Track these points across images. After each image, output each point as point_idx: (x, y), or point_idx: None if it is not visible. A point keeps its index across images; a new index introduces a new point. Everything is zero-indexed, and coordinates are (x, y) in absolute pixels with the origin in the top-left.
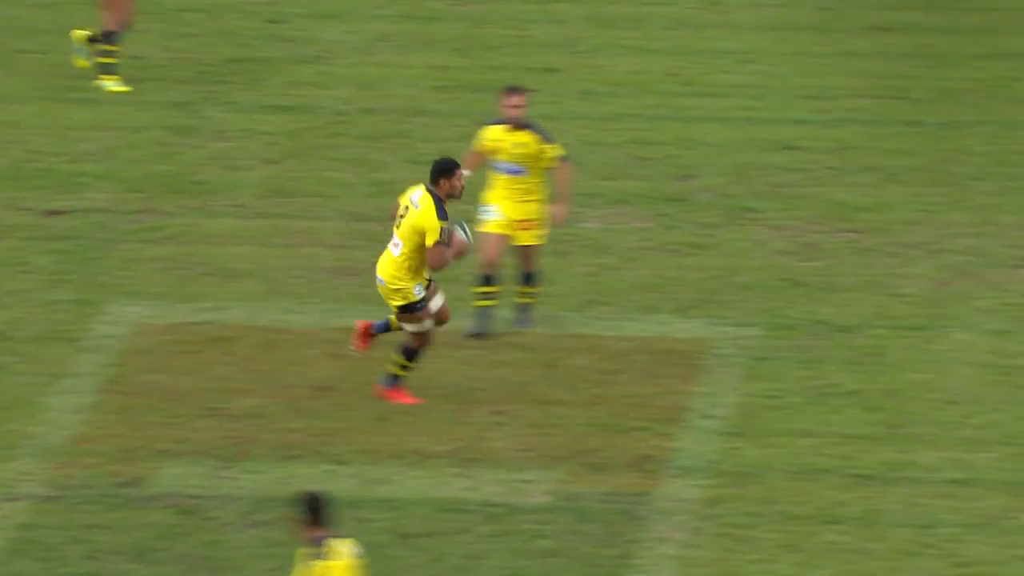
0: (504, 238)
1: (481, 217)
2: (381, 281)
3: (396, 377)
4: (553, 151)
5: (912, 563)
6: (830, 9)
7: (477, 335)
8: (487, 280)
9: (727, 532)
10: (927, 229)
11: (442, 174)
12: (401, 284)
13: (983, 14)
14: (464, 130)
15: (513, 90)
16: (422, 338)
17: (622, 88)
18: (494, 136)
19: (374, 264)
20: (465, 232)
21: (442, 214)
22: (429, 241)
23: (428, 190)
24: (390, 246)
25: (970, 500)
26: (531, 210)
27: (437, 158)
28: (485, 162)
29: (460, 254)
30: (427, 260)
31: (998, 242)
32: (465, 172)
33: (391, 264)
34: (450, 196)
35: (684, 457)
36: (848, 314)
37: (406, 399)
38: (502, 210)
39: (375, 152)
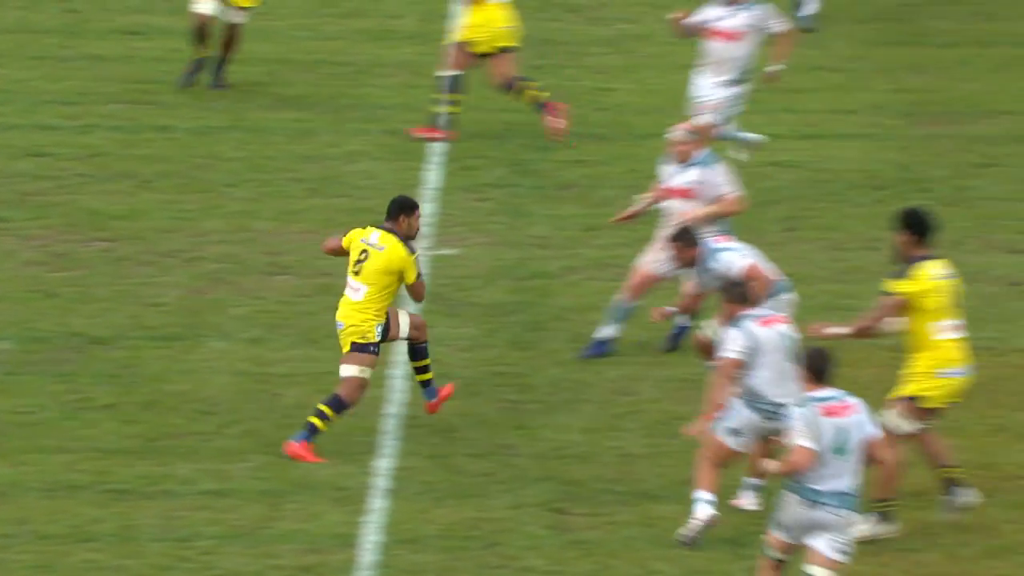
0: None
1: None
2: (341, 325)
3: (313, 430)
4: None
5: None
6: (75, 12)
7: None
8: None
9: None
10: (181, 237)
11: (403, 210)
12: (364, 326)
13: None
14: None
15: None
16: (357, 389)
17: None
18: None
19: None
20: None
21: (411, 248)
22: (411, 277)
23: (388, 229)
24: (348, 292)
25: (226, 511)
26: None
27: (396, 196)
28: None
29: None
30: (412, 294)
31: (252, 249)
32: None
33: (353, 309)
34: (408, 236)
35: None
36: (102, 325)
37: (310, 456)
38: None
39: None
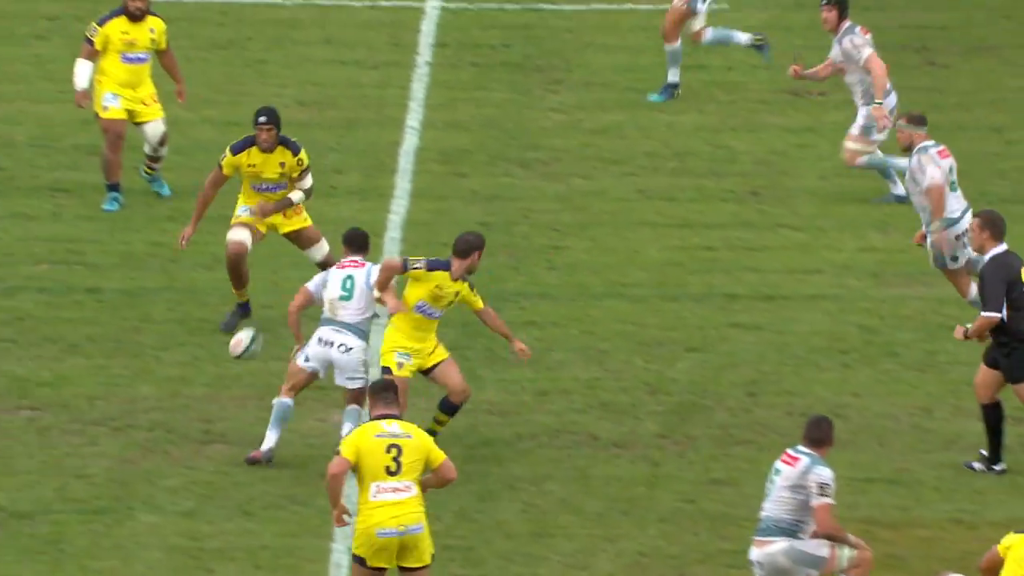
0: None
1: None
2: None
3: None
4: None
5: None
6: (2, 169)
7: None
8: None
9: None
10: (111, 404)
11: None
12: None
13: None
14: None
15: None
16: None
17: None
18: None
19: None
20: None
21: None
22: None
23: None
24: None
25: None
26: None
27: None
28: None
29: None
30: None
31: (185, 416)
32: None
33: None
34: None
35: None
36: (25, 499)
37: None
38: None
39: None
